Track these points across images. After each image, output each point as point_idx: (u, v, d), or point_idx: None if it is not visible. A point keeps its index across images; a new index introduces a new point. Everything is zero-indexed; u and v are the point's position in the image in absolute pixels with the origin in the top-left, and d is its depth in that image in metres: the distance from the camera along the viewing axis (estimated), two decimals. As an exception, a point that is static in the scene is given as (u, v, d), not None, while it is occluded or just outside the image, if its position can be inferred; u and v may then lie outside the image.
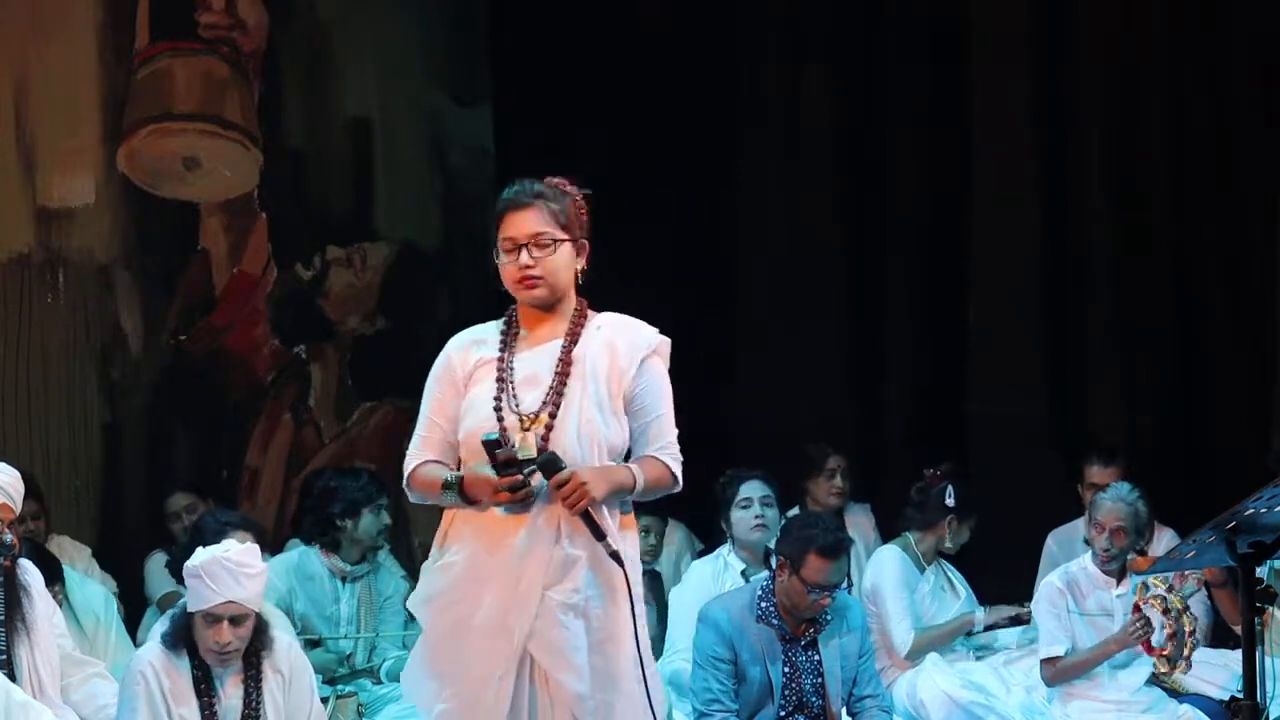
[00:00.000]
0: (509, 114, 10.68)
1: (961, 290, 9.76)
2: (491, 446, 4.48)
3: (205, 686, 5.82)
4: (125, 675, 5.93)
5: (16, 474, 6.05)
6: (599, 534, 4.52)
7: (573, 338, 4.66)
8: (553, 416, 4.56)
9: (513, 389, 4.62)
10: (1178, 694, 7.39)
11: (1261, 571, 5.86)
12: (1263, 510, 5.03)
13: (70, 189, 9.49)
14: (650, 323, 4.83)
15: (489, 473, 4.48)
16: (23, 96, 9.37)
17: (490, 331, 4.75)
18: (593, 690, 4.55)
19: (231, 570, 5.81)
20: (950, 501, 7.77)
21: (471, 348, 4.73)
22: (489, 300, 10.73)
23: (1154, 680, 7.29)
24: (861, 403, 9.86)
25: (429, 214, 10.65)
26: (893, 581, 7.77)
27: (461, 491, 4.56)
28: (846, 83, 10.12)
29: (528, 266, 4.62)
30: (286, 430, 10.15)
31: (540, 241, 4.63)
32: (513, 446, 4.49)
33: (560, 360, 4.63)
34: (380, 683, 7.81)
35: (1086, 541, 7.45)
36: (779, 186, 10.19)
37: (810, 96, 10.17)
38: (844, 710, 6.81)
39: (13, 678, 5.82)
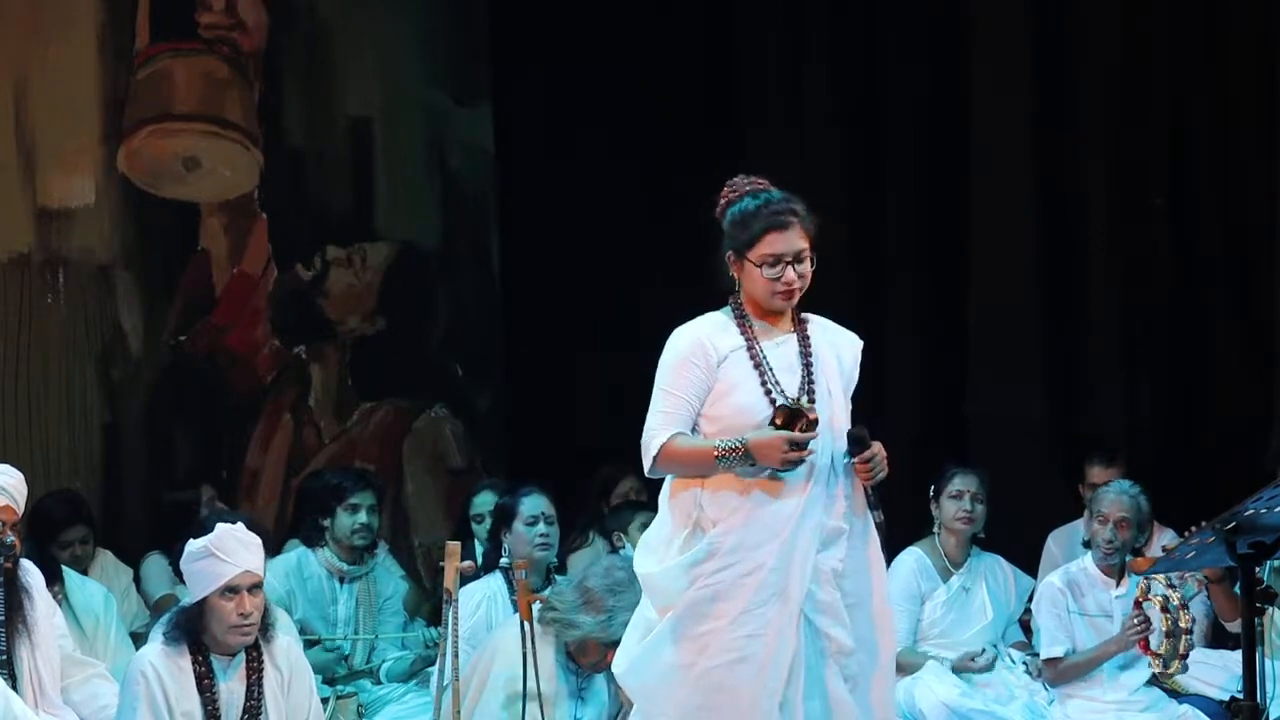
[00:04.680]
0: (509, 114, 10.69)
1: (961, 290, 9.76)
2: (790, 411, 4.89)
3: (208, 681, 5.81)
4: (126, 676, 5.92)
5: (20, 476, 6.05)
6: (874, 504, 5.00)
7: (803, 335, 5.10)
8: (811, 401, 4.98)
9: (774, 375, 5.00)
10: (1178, 694, 7.37)
11: (1261, 572, 5.89)
12: (1263, 510, 5.04)
13: (70, 189, 9.47)
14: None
15: (774, 434, 4.87)
16: (23, 97, 9.33)
17: (724, 321, 5.08)
18: (855, 647, 4.97)
19: (242, 541, 5.86)
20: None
21: (717, 335, 5.04)
22: (489, 300, 10.90)
23: (1154, 681, 7.28)
24: (859, 402, 9.85)
25: (429, 214, 10.66)
26: (895, 591, 7.74)
27: (746, 454, 4.88)
28: (846, 82, 10.11)
29: (792, 281, 5.02)
30: (286, 431, 10.15)
31: (801, 257, 5.04)
32: (808, 407, 4.91)
33: (802, 353, 5.07)
34: (380, 683, 7.83)
35: (1086, 544, 7.44)
36: (780, 186, 10.17)
37: (810, 96, 10.16)
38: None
39: (13, 678, 5.82)
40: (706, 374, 4.98)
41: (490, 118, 10.76)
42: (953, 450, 8.81)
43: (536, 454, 10.07)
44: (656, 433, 4.97)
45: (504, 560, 7.34)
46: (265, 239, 10.11)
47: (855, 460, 4.96)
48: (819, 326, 5.16)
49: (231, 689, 5.81)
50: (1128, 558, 7.27)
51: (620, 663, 5.08)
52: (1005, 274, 9.64)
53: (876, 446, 4.98)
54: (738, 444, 4.88)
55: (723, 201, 5.13)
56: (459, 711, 5.86)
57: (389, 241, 10.51)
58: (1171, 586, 7.01)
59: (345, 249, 10.38)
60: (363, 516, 7.96)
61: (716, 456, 4.89)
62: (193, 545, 5.86)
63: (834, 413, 5.01)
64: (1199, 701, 7.36)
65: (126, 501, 9.55)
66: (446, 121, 10.69)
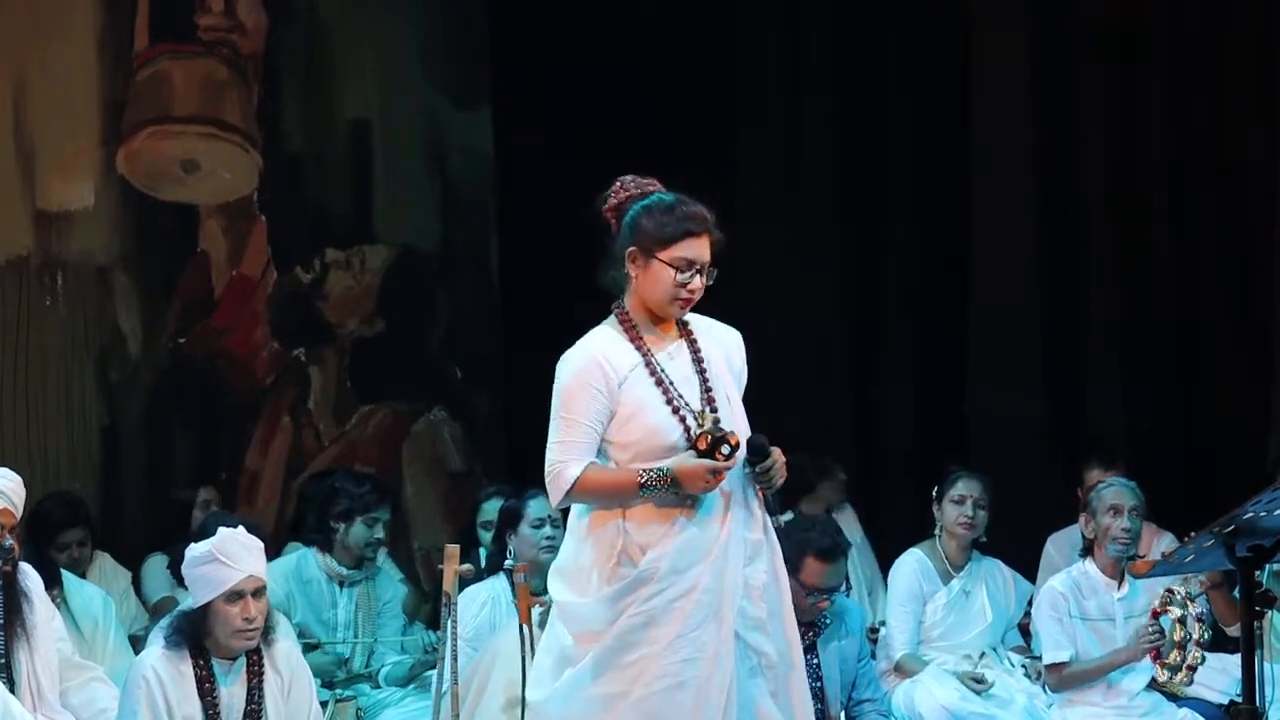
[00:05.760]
0: (509, 116, 10.69)
1: (961, 290, 9.77)
2: (713, 438, 4.84)
3: (209, 685, 5.81)
4: (127, 679, 5.91)
5: (18, 479, 6.05)
6: (774, 511, 4.99)
7: (691, 340, 5.03)
8: (714, 410, 4.92)
9: (676, 389, 4.93)
10: (1177, 699, 7.34)
11: (1261, 575, 5.88)
12: (1262, 514, 5.03)
13: (69, 192, 9.48)
14: None
15: (698, 462, 4.81)
16: (22, 99, 9.36)
17: (614, 338, 4.98)
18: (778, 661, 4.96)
19: (245, 545, 5.84)
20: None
21: (612, 353, 4.94)
22: (488, 303, 10.88)
23: (1154, 685, 7.27)
24: (859, 403, 9.86)
25: (428, 217, 10.68)
26: (899, 593, 7.80)
27: (673, 482, 4.82)
28: (845, 82, 10.12)
29: (696, 289, 4.94)
30: (285, 433, 10.16)
31: (704, 269, 4.96)
32: (728, 432, 4.86)
33: (695, 361, 5.00)
34: (379, 687, 7.80)
35: (1084, 551, 7.41)
36: (779, 185, 10.20)
37: (810, 96, 10.17)
38: (843, 714, 6.80)
39: (11, 682, 5.82)
40: (609, 398, 4.88)
41: (490, 120, 10.78)
42: (952, 452, 8.81)
43: (536, 457, 10.06)
44: (567, 463, 4.87)
45: (508, 562, 7.34)
46: (264, 241, 10.12)
47: (754, 470, 4.90)
48: (702, 328, 5.08)
49: (232, 693, 5.80)
50: (1128, 560, 7.27)
51: (536, 692, 4.96)
52: (1006, 275, 9.69)
53: (775, 453, 4.92)
54: (664, 473, 4.81)
55: (619, 195, 5.01)
56: (458, 715, 5.85)
57: (388, 244, 10.53)
58: (1190, 599, 7.02)
59: (344, 251, 10.40)
60: (379, 531, 7.99)
61: (641, 485, 4.82)
62: (195, 550, 5.85)
63: (735, 421, 4.95)
64: (1199, 705, 7.33)
65: (125, 504, 9.56)
66: (445, 124, 10.71)
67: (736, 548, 4.88)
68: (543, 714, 4.94)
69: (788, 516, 6.38)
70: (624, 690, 4.81)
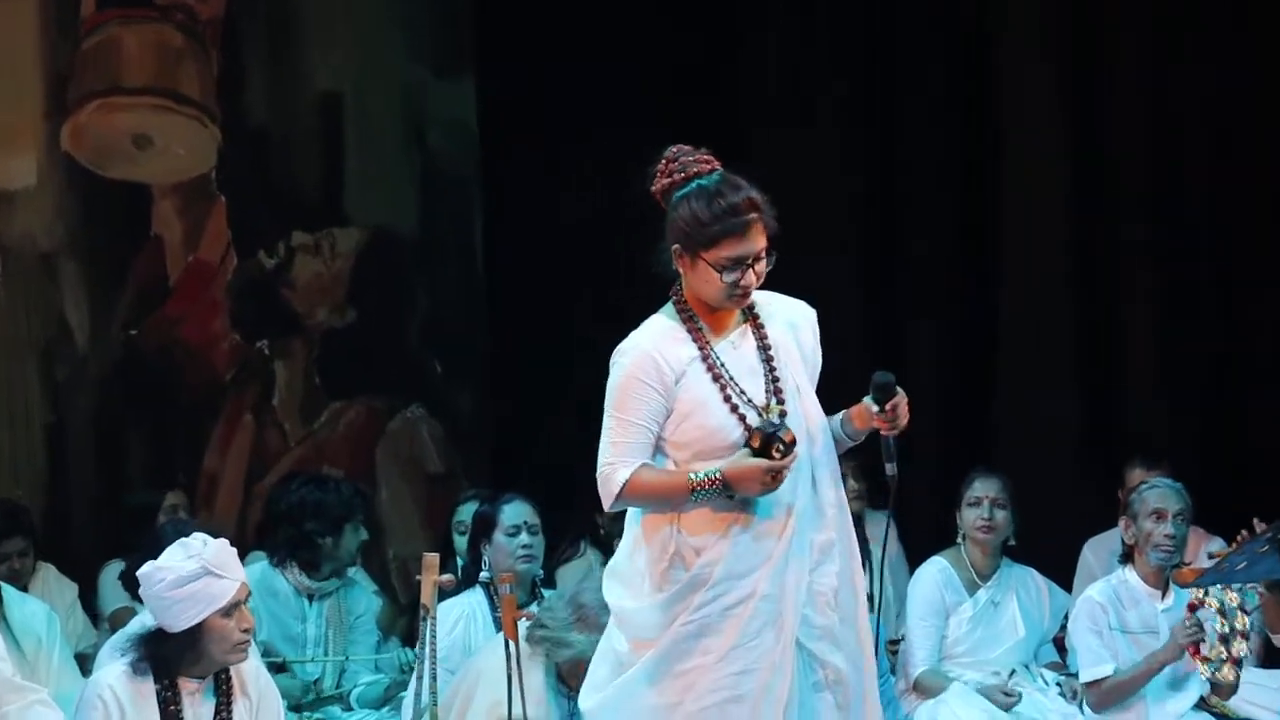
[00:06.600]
0: (494, 87, 10.64)
1: (992, 287, 9.74)
2: (765, 435, 4.84)
3: (174, 708, 5.73)
4: (81, 700, 5.82)
5: None
6: (891, 456, 5.01)
7: (757, 326, 5.01)
8: (781, 403, 4.92)
9: (735, 384, 4.92)
10: (1228, 718, 7.26)
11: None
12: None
13: (8, 169, 9.53)
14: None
15: (753, 463, 4.80)
16: (-44, 69, 9.33)
17: (671, 328, 4.95)
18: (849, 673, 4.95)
19: (230, 551, 5.78)
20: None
21: (668, 347, 4.91)
22: (473, 291, 10.81)
23: (1202, 704, 7.22)
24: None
25: (405, 196, 10.68)
26: (918, 606, 7.79)
27: (725, 485, 4.82)
28: (865, 75, 10.12)
29: (751, 283, 4.93)
30: (248, 432, 10.15)
31: (760, 256, 4.91)
32: (782, 428, 4.86)
33: (762, 349, 5.00)
34: (350, 709, 7.75)
35: (1124, 557, 7.36)
36: (789, 183, 10.16)
37: (820, 88, 10.15)
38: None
39: (-56, 709, 5.74)
40: (664, 395, 4.87)
41: (473, 92, 10.72)
42: (981, 457, 8.78)
43: (522, 459, 10.03)
44: (617, 466, 4.86)
45: (484, 574, 7.27)
46: (224, 224, 10.13)
47: (882, 409, 4.89)
48: (771, 309, 5.05)
49: (199, 714, 5.73)
50: (1173, 567, 7.21)
51: (589, 699, 4.99)
52: (1036, 270, 9.78)
53: (900, 394, 4.90)
54: (715, 475, 4.81)
55: (664, 180, 4.93)
56: (438, 738, 5.80)
57: (361, 227, 10.56)
58: (1230, 589, 6.96)
59: (312, 235, 10.41)
60: (364, 533, 7.99)
61: (692, 490, 4.82)
62: (179, 569, 5.71)
63: (806, 411, 4.94)
64: (1250, 727, 7.30)
65: (72, 510, 9.53)
66: (424, 96, 10.68)
67: (801, 551, 4.86)
68: (605, 710, 4.98)
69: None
70: (676, 701, 4.84)
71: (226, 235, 10.13)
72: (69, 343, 9.67)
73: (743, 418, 4.86)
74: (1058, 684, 7.76)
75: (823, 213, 10.00)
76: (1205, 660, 6.98)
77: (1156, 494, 7.20)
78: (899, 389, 4.86)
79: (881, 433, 4.92)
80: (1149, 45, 9.53)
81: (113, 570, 8.47)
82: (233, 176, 10.13)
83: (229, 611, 5.69)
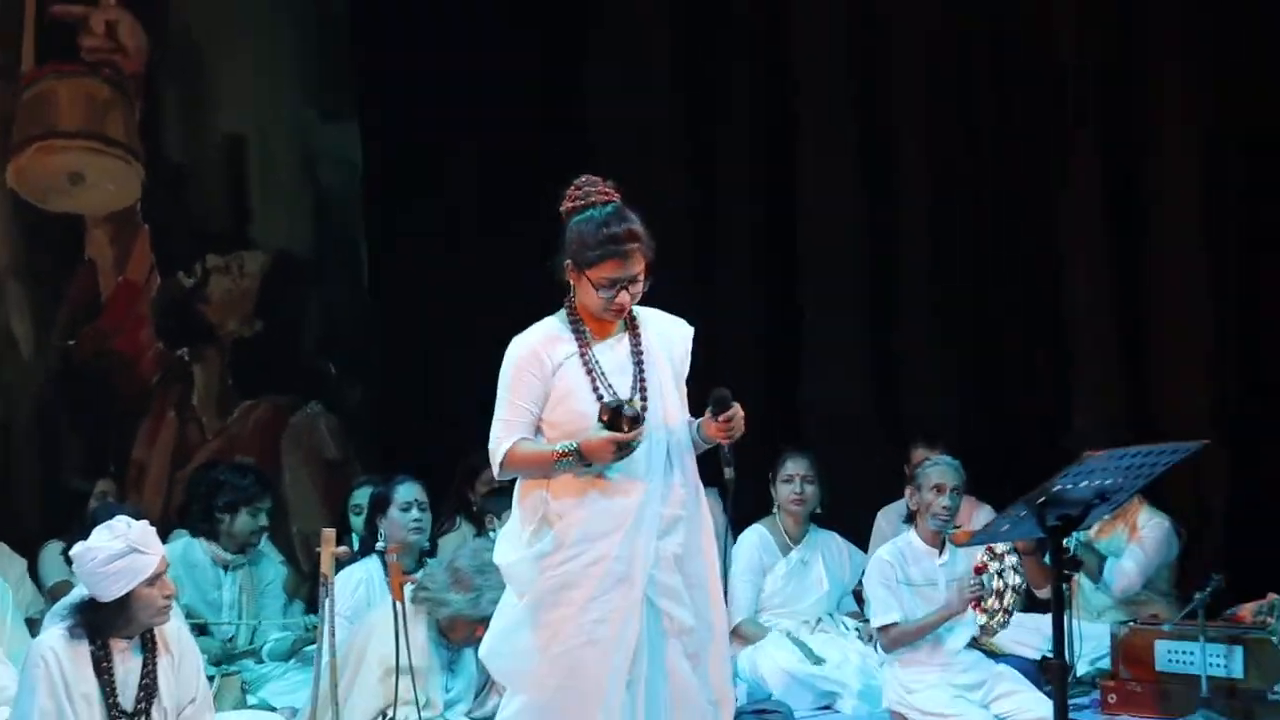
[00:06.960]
0: (375, 127, 10.67)
1: (791, 286, 9.84)
2: (613, 410, 4.87)
3: (106, 664, 5.75)
4: (26, 659, 5.76)
5: None
6: (729, 461, 4.99)
7: (634, 333, 5.07)
8: (644, 398, 4.98)
9: (605, 378, 4.99)
10: (995, 655, 7.44)
11: (1069, 542, 6.00)
12: (1069, 487, 5.13)
13: (-40, 206, 9.37)
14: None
15: (601, 435, 4.85)
16: (-86, 117, 9.24)
17: (558, 328, 5.05)
18: (695, 625, 5.00)
19: (150, 530, 5.75)
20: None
21: (550, 343, 5.02)
22: (359, 303, 10.81)
23: (974, 644, 7.35)
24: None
25: (301, 224, 10.64)
26: (740, 565, 7.84)
27: (580, 456, 4.88)
28: (685, 81, 10.09)
29: (625, 302, 4.99)
30: (171, 427, 10.08)
31: (636, 279, 4.99)
32: (630, 405, 4.90)
33: (634, 352, 5.05)
34: (262, 662, 7.79)
35: (908, 519, 7.46)
36: (618, 181, 10.17)
37: (646, 88, 10.07)
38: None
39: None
40: (543, 382, 4.96)
41: (358, 132, 10.73)
42: (791, 437, 8.87)
43: (407, 446, 10.05)
44: (501, 439, 4.97)
45: (380, 545, 7.33)
46: (148, 249, 10.04)
47: (717, 419, 4.92)
48: (650, 321, 5.12)
49: (128, 669, 5.75)
50: (949, 531, 7.33)
51: (485, 645, 5.08)
52: (834, 273, 9.69)
53: (735, 407, 4.95)
54: (571, 447, 4.89)
55: (568, 203, 5.01)
56: (337, 685, 5.83)
57: (264, 250, 10.48)
58: (1009, 553, 7.12)
59: (224, 257, 10.34)
60: (262, 519, 8.00)
61: (555, 460, 4.91)
62: (104, 549, 5.71)
63: (667, 408, 5.01)
64: (1014, 661, 7.43)
65: (19, 495, 9.45)
66: (316, 137, 10.66)
67: (651, 521, 4.93)
68: (488, 666, 5.14)
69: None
70: (545, 644, 4.93)
71: (150, 259, 10.06)
72: (15, 352, 9.58)
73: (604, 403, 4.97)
74: (856, 629, 7.91)
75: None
76: (985, 611, 7.12)
77: (938, 470, 7.24)
78: (734, 403, 4.93)
79: (720, 441, 4.97)
80: (937, 22, 9.36)
81: (53, 548, 8.38)
82: (155, 208, 10.06)
83: (152, 581, 5.68)
